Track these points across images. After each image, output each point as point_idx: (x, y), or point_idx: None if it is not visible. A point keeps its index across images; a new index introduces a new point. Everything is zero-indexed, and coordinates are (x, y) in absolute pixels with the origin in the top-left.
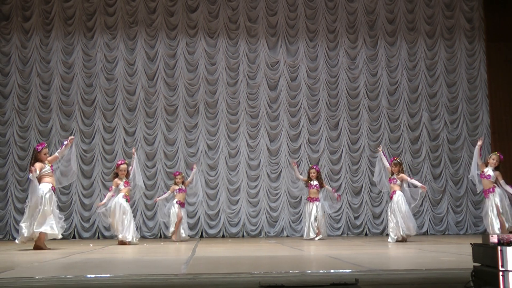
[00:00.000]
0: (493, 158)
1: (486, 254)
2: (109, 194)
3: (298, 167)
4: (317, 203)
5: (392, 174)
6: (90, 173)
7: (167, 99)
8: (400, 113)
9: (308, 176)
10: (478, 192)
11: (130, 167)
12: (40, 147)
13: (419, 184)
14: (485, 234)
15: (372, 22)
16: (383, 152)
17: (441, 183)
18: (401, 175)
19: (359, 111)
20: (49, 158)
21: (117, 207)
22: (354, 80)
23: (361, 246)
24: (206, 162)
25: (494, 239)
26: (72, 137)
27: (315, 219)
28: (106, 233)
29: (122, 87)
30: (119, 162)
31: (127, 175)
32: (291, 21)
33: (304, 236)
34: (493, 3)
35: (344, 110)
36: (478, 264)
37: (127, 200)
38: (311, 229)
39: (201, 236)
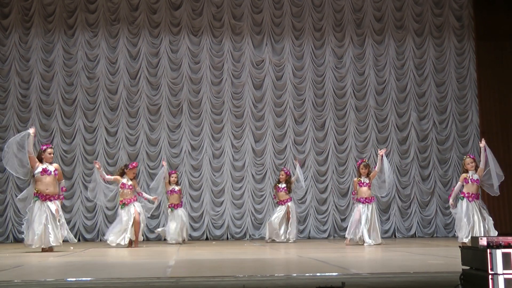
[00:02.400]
0: (468, 162)
1: (475, 257)
2: (106, 176)
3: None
4: (289, 203)
5: (360, 176)
6: (70, 174)
7: (149, 98)
8: (388, 113)
9: (278, 179)
10: (451, 206)
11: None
12: (44, 147)
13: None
14: (474, 236)
15: (360, 20)
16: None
17: (430, 185)
18: (371, 174)
19: (346, 111)
20: (60, 171)
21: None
22: (341, 79)
23: (348, 248)
24: (190, 163)
25: (483, 241)
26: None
27: (290, 221)
28: (87, 236)
29: (104, 86)
30: (134, 164)
31: (134, 178)
32: (277, 19)
33: (267, 237)
34: (482, 1)
35: (331, 110)
36: (467, 267)
37: (123, 205)
38: (281, 231)
39: (190, 238)
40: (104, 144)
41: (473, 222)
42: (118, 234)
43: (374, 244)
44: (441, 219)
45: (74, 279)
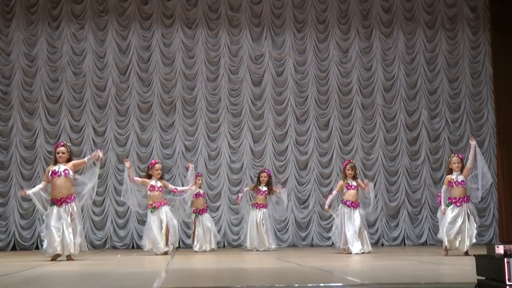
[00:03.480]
0: (454, 162)
1: (491, 267)
2: (135, 177)
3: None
4: (264, 210)
5: (346, 178)
6: None
7: (140, 95)
8: (396, 111)
9: (258, 180)
10: (442, 212)
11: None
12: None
13: (363, 183)
14: (490, 245)
15: (366, 11)
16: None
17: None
18: (358, 181)
19: (352, 109)
20: (75, 162)
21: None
22: (346, 75)
23: (354, 257)
24: (184, 164)
25: (500, 250)
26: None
27: (264, 229)
28: None
29: (91, 82)
30: (153, 161)
31: (162, 177)
32: (277, 10)
33: (248, 245)
34: None
35: (335, 108)
36: (483, 278)
37: (154, 209)
38: (255, 239)
39: (178, 246)
40: (91, 145)
41: (458, 228)
42: (155, 241)
43: (362, 253)
44: None
45: None
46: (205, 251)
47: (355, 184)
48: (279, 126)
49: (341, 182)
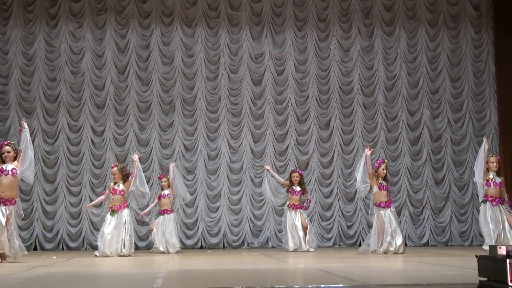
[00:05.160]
0: (493, 161)
1: (493, 268)
2: (101, 197)
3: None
4: (301, 210)
5: (378, 177)
6: (53, 177)
7: (139, 95)
8: (398, 111)
9: (290, 181)
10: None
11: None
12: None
13: None
14: (492, 245)
15: (368, 9)
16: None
17: (444, 189)
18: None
19: (353, 109)
20: (18, 157)
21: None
22: (347, 74)
23: (355, 258)
24: (183, 164)
25: (502, 251)
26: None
27: (303, 229)
28: (71, 244)
29: (90, 81)
30: (112, 166)
31: (125, 178)
32: (278, 9)
33: (291, 247)
34: None
35: (336, 108)
36: (485, 279)
37: (113, 212)
38: (302, 241)
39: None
40: (89, 145)
41: (501, 229)
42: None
43: (399, 252)
44: (456, 226)
45: None
46: (164, 252)
47: (386, 184)
48: (279, 125)
49: (374, 179)
